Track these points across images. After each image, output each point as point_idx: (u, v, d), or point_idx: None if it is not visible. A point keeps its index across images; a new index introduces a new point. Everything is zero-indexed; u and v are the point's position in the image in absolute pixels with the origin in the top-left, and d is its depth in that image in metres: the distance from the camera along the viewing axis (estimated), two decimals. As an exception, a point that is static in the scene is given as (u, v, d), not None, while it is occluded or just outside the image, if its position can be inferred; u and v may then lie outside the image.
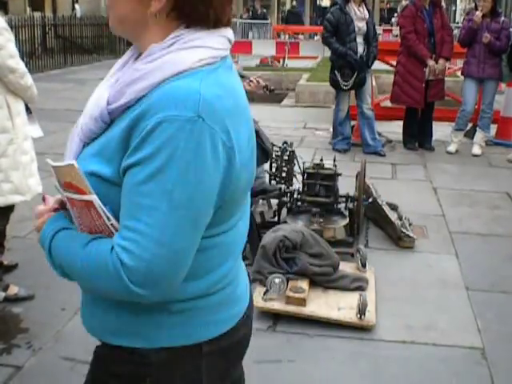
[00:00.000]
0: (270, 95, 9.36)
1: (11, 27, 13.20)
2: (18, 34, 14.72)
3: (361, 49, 7.67)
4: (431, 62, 7.74)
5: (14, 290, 3.95)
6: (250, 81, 5.38)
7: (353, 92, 7.99)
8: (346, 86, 7.75)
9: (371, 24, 7.72)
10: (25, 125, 4.01)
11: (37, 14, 17.29)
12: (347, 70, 7.67)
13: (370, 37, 7.67)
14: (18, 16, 15.17)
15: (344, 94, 7.91)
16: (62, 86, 13.79)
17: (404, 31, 7.95)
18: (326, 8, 51.02)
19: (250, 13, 30.30)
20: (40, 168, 6.85)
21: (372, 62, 7.84)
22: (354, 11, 7.58)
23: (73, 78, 15.23)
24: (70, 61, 17.76)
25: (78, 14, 20.57)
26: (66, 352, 3.40)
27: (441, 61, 7.80)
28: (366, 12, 7.65)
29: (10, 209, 4.01)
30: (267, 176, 5.46)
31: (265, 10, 31.26)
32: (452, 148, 8.09)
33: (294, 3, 40.91)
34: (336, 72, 7.81)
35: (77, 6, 21.82)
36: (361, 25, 7.63)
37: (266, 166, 5.42)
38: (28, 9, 18.79)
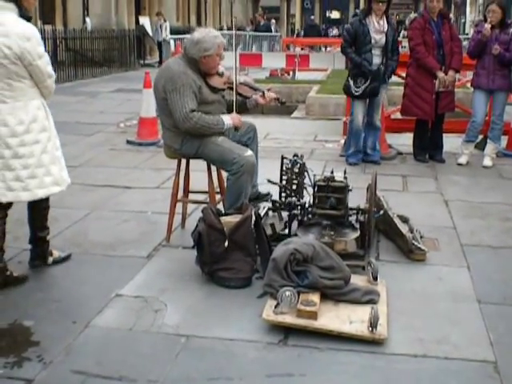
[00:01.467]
0: (281, 107, 9.39)
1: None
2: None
3: (377, 60, 7.68)
4: (441, 74, 7.73)
5: (56, 254, 4.81)
6: (263, 94, 5.41)
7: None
8: (356, 91, 7.76)
9: (391, 37, 7.69)
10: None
11: (48, 27, 17.42)
12: (360, 77, 7.69)
13: (387, 49, 7.67)
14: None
15: (359, 103, 7.90)
16: (72, 98, 13.86)
17: (413, 43, 7.95)
18: (335, 20, 51.30)
19: (254, 25, 30.25)
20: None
21: (390, 75, 7.84)
22: (373, 23, 7.60)
23: (83, 90, 15.32)
24: (81, 74, 17.87)
25: (89, 28, 20.69)
26: (77, 365, 3.39)
27: (450, 72, 7.79)
28: (385, 25, 7.65)
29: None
30: (275, 188, 5.46)
31: (271, 22, 31.15)
32: (463, 160, 8.06)
33: (312, 17, 40.91)
34: (349, 79, 7.86)
35: (87, 19, 21.93)
36: (378, 37, 7.63)
37: (270, 176, 5.43)
38: (39, 22, 18.90)
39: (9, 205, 4.46)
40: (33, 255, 4.76)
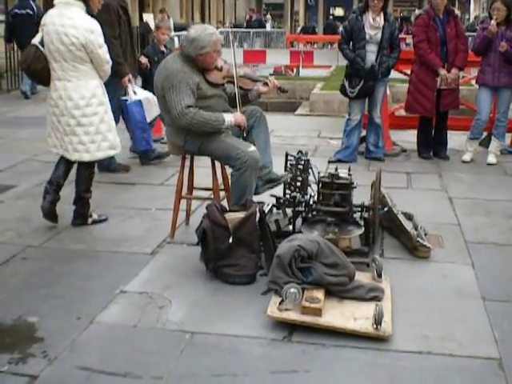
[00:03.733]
0: (285, 104, 9.39)
1: (26, 37, 12.89)
2: (33, 44, 14.77)
3: (372, 57, 7.65)
4: (443, 71, 7.71)
5: (95, 216, 5.61)
6: (265, 83, 5.39)
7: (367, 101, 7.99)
8: (352, 93, 7.76)
9: (387, 33, 7.65)
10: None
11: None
12: (355, 77, 7.69)
13: (383, 46, 7.64)
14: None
15: (355, 102, 7.89)
16: (76, 95, 13.83)
17: (416, 40, 7.94)
18: (338, 17, 51.24)
19: (245, 21, 29.42)
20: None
21: (385, 72, 7.79)
22: (369, 20, 7.58)
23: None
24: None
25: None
26: (81, 361, 3.40)
27: (453, 70, 7.77)
28: (382, 21, 7.62)
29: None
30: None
31: (266, 17, 30.46)
32: (467, 157, 8.05)
33: (331, 17, 40.62)
34: (344, 79, 7.86)
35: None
36: (373, 33, 7.60)
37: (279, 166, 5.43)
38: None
39: (73, 163, 5.45)
40: (75, 215, 5.52)
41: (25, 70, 5.59)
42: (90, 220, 5.54)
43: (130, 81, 7.04)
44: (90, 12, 5.28)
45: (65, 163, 5.43)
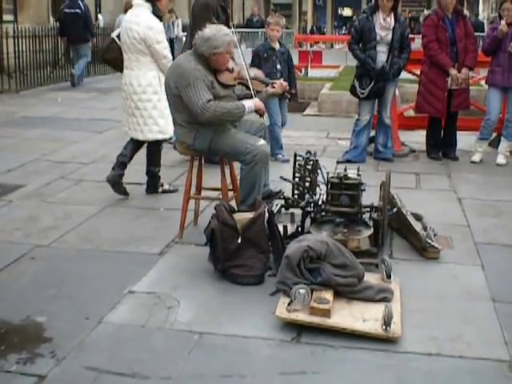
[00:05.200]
0: (293, 104, 9.36)
1: (35, 37, 13.49)
2: (42, 43, 14.84)
3: (383, 58, 7.63)
4: (453, 71, 7.69)
5: (166, 186, 6.52)
6: (273, 83, 5.40)
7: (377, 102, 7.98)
8: (362, 93, 7.75)
9: (398, 34, 7.62)
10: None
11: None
12: (366, 78, 7.67)
13: (394, 46, 7.62)
14: (42, 26, 15.27)
15: (364, 102, 7.88)
16: (85, 95, 13.89)
17: (425, 40, 7.91)
18: (347, 17, 51.21)
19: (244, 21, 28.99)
20: (64, 177, 6.92)
21: (396, 73, 7.77)
22: (380, 20, 7.56)
23: (96, 87, 15.32)
24: (93, 70, 17.86)
25: (101, 24, 20.68)
26: (89, 362, 3.39)
27: (464, 70, 7.74)
28: (392, 22, 7.59)
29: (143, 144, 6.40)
30: (288, 186, 5.45)
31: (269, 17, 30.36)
32: (476, 158, 8.02)
33: (354, 17, 40.59)
34: (355, 79, 7.84)
35: (100, 15, 21.90)
36: (383, 34, 7.59)
37: (282, 173, 5.41)
38: (51, 19, 18.87)
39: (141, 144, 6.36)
40: (148, 185, 6.46)
41: (101, 59, 6.97)
42: (160, 189, 6.43)
43: None
44: (155, 13, 6.06)
45: (131, 142, 6.29)
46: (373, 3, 7.83)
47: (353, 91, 7.93)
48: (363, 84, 7.70)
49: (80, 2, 15.26)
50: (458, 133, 8.30)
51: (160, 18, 6.16)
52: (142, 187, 6.59)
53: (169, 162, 7.66)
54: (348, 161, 7.66)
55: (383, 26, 7.58)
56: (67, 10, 15.17)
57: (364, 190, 4.91)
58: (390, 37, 7.60)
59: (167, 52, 6.05)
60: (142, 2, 6.03)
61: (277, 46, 7.80)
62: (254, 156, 4.83)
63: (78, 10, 15.10)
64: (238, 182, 5.22)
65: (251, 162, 4.85)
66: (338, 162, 7.61)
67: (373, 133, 8.22)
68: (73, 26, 14.96)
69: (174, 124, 5.28)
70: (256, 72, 5.72)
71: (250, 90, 5.29)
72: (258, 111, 5.10)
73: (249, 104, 5.00)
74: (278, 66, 7.60)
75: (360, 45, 7.75)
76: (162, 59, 6.01)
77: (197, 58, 4.96)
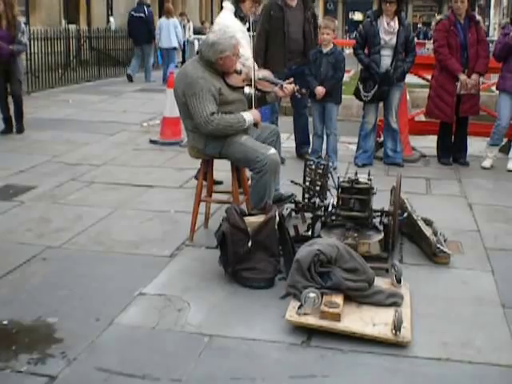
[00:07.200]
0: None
1: (47, 39, 13.56)
2: (54, 46, 14.89)
3: (387, 61, 7.65)
4: (463, 77, 7.68)
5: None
6: (283, 86, 5.40)
7: (381, 105, 8.00)
8: (366, 96, 7.77)
9: (402, 38, 7.62)
10: None
11: (72, 27, 17.46)
12: (370, 81, 7.70)
13: (398, 51, 7.62)
14: (54, 28, 15.34)
15: (370, 106, 7.91)
16: (96, 97, 13.92)
17: (436, 45, 7.93)
18: (358, 22, 51.13)
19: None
20: (75, 179, 6.95)
21: (400, 77, 7.76)
22: (384, 24, 7.57)
23: (107, 89, 15.36)
24: (105, 73, 17.92)
25: (113, 27, 20.74)
26: (100, 363, 3.41)
27: (473, 76, 7.73)
28: (396, 26, 7.60)
29: None
30: (299, 189, 5.46)
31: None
32: (487, 163, 8.01)
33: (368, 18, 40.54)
34: (359, 83, 7.86)
35: (111, 18, 21.97)
36: (387, 38, 7.60)
37: (292, 177, 5.42)
38: (63, 21, 18.94)
39: None
40: None
41: None
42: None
43: None
44: (238, 15, 6.49)
45: None
46: (377, 8, 7.86)
47: (357, 94, 7.97)
48: (367, 87, 7.73)
49: (145, 7, 17.24)
50: (468, 138, 8.29)
51: (242, 19, 6.52)
52: (153, 189, 6.61)
53: (178, 164, 7.69)
54: (364, 165, 7.69)
55: (387, 30, 7.59)
56: (134, 14, 17.17)
57: (375, 193, 4.91)
58: (394, 41, 7.61)
59: (243, 51, 5.94)
60: (228, 4, 6.57)
61: (326, 49, 7.53)
62: (263, 165, 4.84)
63: (142, 15, 16.96)
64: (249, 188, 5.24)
65: (261, 171, 4.86)
66: (358, 166, 7.62)
67: (381, 137, 8.23)
68: (138, 29, 16.86)
69: (185, 130, 5.29)
70: (264, 73, 5.73)
71: (260, 91, 5.31)
72: (255, 124, 5.12)
73: (249, 118, 5.01)
74: (322, 69, 7.50)
75: (365, 49, 7.76)
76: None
77: (204, 64, 4.97)
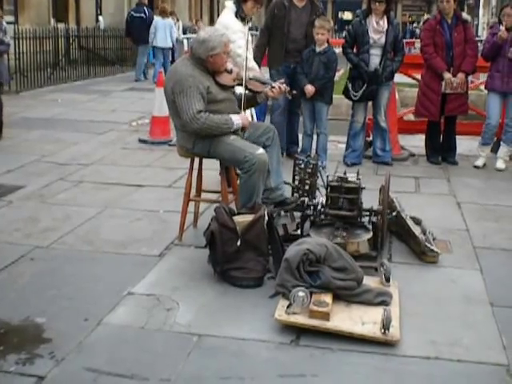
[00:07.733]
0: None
1: (36, 38, 13.49)
2: (42, 44, 14.84)
3: (376, 61, 7.66)
4: (447, 75, 7.70)
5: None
6: (273, 87, 5.39)
7: (370, 104, 8.01)
8: (355, 96, 7.80)
9: (391, 37, 7.65)
10: None
11: (61, 26, 17.40)
12: (359, 80, 7.73)
13: (387, 50, 7.64)
14: (43, 27, 15.29)
15: (359, 105, 7.93)
16: (85, 97, 13.89)
17: (422, 44, 8.01)
18: (347, 21, 51.23)
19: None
20: (64, 178, 6.93)
21: (388, 76, 7.78)
22: (373, 23, 7.59)
23: (96, 89, 15.33)
24: (94, 72, 17.88)
25: (102, 26, 20.71)
26: (88, 363, 3.40)
27: (459, 74, 7.73)
28: (385, 25, 7.62)
29: None
30: (288, 188, 5.47)
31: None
32: (479, 162, 8.02)
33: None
34: (348, 82, 7.89)
35: (100, 18, 21.92)
36: (376, 37, 7.61)
37: (286, 178, 5.43)
38: (52, 20, 18.88)
39: None
40: None
41: None
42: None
43: None
44: (240, 15, 6.57)
45: None
46: (366, 7, 7.88)
47: (346, 93, 7.99)
48: (356, 86, 7.76)
49: (145, 8, 17.56)
50: (457, 137, 8.32)
51: (244, 19, 6.59)
52: (142, 189, 6.60)
53: (168, 164, 7.67)
54: (353, 164, 7.70)
55: (376, 29, 7.61)
56: (134, 14, 17.45)
57: (364, 188, 4.91)
58: (383, 40, 7.63)
59: (241, 51, 6.25)
60: (230, 3, 6.67)
61: (319, 48, 7.52)
62: (252, 164, 4.82)
63: (142, 15, 17.28)
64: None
65: (249, 171, 4.84)
66: (347, 165, 7.62)
67: (370, 137, 8.25)
68: (137, 28, 17.12)
69: (175, 128, 5.28)
70: (255, 73, 5.74)
71: (250, 91, 5.29)
72: (242, 128, 5.09)
73: (237, 121, 4.99)
74: (313, 68, 7.49)
75: (354, 48, 7.78)
76: (235, 57, 6.21)
77: (194, 62, 4.97)
